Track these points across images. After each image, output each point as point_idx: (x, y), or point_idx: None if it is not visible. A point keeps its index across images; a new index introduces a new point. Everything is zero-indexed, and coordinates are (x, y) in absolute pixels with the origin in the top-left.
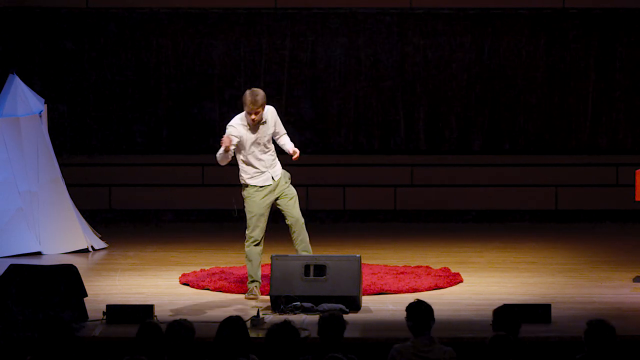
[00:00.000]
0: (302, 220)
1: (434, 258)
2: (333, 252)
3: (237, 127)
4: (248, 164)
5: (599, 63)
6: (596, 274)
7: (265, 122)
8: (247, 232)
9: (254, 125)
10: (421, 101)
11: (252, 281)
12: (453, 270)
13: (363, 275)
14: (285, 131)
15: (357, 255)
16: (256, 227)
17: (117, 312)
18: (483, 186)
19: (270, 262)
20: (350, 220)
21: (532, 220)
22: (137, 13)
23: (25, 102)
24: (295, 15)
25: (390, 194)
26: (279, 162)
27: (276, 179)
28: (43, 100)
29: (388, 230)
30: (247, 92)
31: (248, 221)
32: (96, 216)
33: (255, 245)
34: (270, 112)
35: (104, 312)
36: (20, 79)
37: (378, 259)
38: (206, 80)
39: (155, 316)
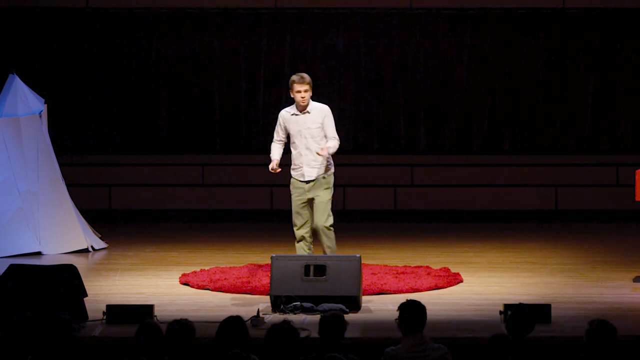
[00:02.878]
0: (323, 226)
1: (434, 258)
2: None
3: (284, 114)
4: (292, 153)
5: (599, 63)
6: (596, 274)
7: (309, 113)
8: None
9: (301, 109)
10: (421, 101)
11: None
12: (453, 270)
13: (363, 275)
14: (333, 136)
15: (357, 255)
16: (295, 224)
17: (117, 312)
18: (483, 186)
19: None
20: (350, 220)
21: (532, 220)
22: (137, 13)
23: (25, 102)
24: (295, 15)
25: (390, 194)
26: (322, 167)
27: (308, 179)
28: (43, 100)
29: (388, 230)
30: (293, 75)
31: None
32: (96, 216)
33: (298, 241)
34: (319, 107)
35: (104, 312)
36: (20, 79)
37: (378, 259)
38: (206, 80)
39: (155, 316)
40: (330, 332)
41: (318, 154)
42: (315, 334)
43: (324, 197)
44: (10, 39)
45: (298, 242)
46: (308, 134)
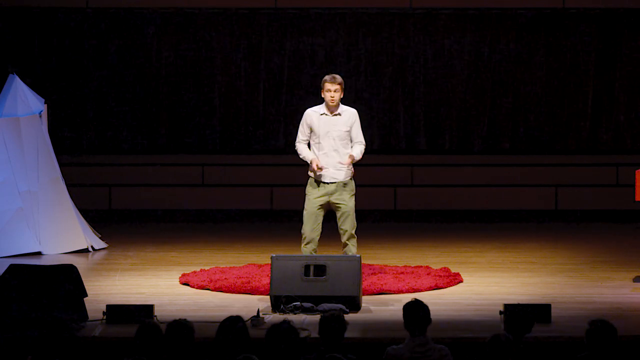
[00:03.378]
0: (351, 234)
1: (434, 258)
2: (333, 252)
3: (311, 113)
4: (316, 153)
5: (599, 63)
6: (596, 274)
7: (340, 115)
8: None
9: (331, 110)
10: (421, 101)
11: None
12: (453, 270)
13: (363, 275)
14: (360, 140)
15: (357, 255)
16: (306, 224)
17: (117, 312)
18: (483, 186)
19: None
20: None
21: (532, 220)
22: (137, 13)
23: (25, 102)
24: (295, 15)
25: (390, 194)
26: (348, 171)
27: (334, 181)
28: (43, 100)
29: (388, 230)
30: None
31: (303, 218)
32: (96, 216)
33: (306, 244)
34: (349, 110)
35: (104, 312)
36: (20, 79)
37: (378, 259)
38: (206, 80)
39: (155, 316)
40: (330, 332)
41: (341, 162)
42: (315, 334)
43: (352, 204)
44: (10, 39)
45: (307, 244)
46: (337, 136)
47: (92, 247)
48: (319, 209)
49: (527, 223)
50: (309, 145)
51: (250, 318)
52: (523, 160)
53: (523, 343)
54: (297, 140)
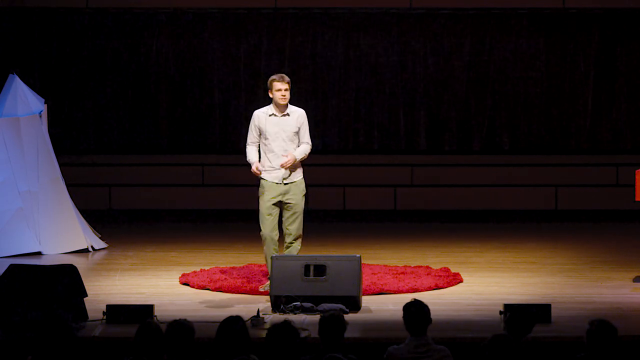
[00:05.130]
0: (297, 234)
1: (434, 258)
2: (333, 252)
3: (260, 115)
4: (266, 156)
5: (599, 63)
6: (596, 274)
7: (288, 115)
8: None
9: (279, 111)
10: (421, 101)
11: (269, 277)
12: (453, 270)
13: (363, 275)
14: (307, 141)
15: (357, 255)
16: (264, 226)
17: (117, 312)
18: (483, 186)
19: (270, 262)
20: (350, 220)
21: (532, 220)
22: (137, 13)
23: (25, 102)
24: (295, 15)
25: (390, 194)
26: (299, 172)
27: (286, 182)
28: (43, 100)
29: (388, 230)
30: (274, 74)
31: (259, 218)
32: (96, 216)
33: (267, 242)
34: (297, 111)
35: (104, 312)
36: (20, 79)
37: (378, 259)
38: (206, 80)
39: (155, 316)
40: (330, 332)
41: (283, 167)
42: (315, 334)
43: (302, 205)
44: (10, 39)
45: (267, 243)
46: (286, 136)
47: (92, 247)
48: (274, 209)
49: (527, 223)
50: (259, 146)
51: (250, 318)
52: (523, 160)
53: (523, 343)
54: (247, 142)
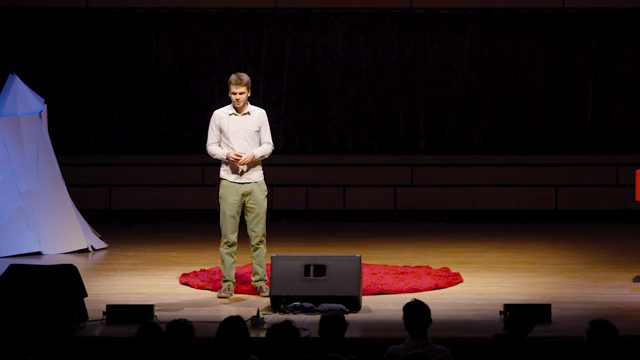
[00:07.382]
0: (262, 235)
1: (434, 258)
2: (333, 252)
3: (220, 114)
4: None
5: (599, 63)
6: (596, 274)
7: (249, 114)
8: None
9: (239, 110)
10: (421, 101)
11: (225, 281)
12: (453, 270)
13: (363, 275)
14: (268, 141)
15: (357, 255)
16: (226, 228)
17: (117, 312)
18: (483, 186)
19: (270, 262)
20: (350, 220)
21: (532, 220)
22: (137, 13)
23: (25, 102)
24: (295, 15)
25: (390, 194)
26: (260, 171)
27: (249, 181)
28: (43, 100)
29: (388, 230)
30: (232, 74)
31: (220, 220)
32: (96, 216)
33: (230, 246)
34: (257, 110)
35: (104, 312)
36: (20, 79)
37: (378, 259)
38: (206, 80)
39: (155, 316)
40: (330, 332)
41: (238, 163)
42: (315, 334)
43: (264, 206)
44: (10, 39)
45: (230, 247)
46: (247, 136)
47: (92, 247)
48: (237, 211)
49: (527, 223)
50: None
51: (250, 318)
52: (523, 160)
53: (523, 343)
54: (207, 143)
